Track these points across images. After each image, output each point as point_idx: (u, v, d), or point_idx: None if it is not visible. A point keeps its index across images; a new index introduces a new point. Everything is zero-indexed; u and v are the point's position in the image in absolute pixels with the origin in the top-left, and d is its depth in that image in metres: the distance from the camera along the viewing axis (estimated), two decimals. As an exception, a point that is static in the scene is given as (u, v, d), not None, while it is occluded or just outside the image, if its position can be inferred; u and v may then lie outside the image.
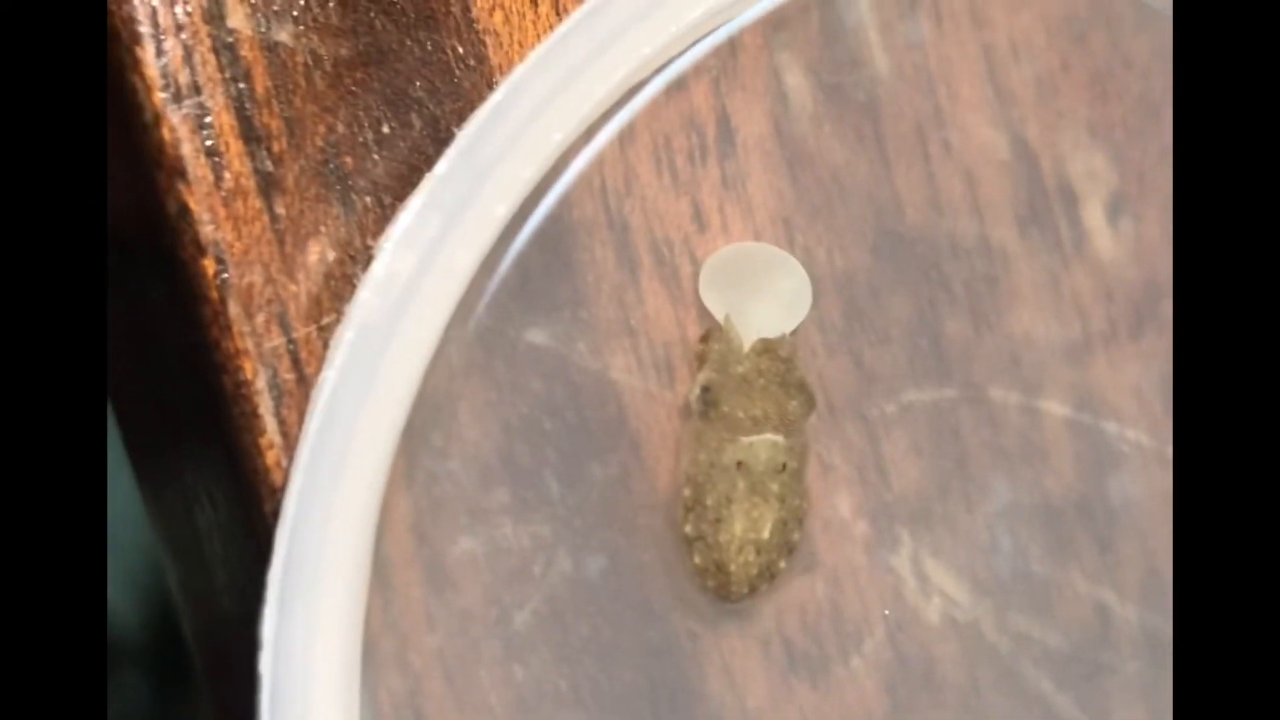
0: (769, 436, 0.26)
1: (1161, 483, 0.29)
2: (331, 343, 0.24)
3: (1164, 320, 0.29)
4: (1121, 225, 0.29)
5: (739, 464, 0.26)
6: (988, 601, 0.28)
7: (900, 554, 0.28)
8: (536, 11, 0.26)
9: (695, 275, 0.27)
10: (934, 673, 0.28)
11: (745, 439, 0.26)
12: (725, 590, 0.26)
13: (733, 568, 0.26)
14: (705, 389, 0.26)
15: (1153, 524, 0.29)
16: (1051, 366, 0.29)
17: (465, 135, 0.23)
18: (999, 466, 0.28)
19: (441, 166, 0.23)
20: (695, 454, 0.26)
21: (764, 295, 0.27)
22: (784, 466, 0.26)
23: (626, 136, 0.26)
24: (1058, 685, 0.29)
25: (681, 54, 0.25)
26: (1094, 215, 0.29)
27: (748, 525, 0.26)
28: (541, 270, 0.25)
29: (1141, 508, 0.29)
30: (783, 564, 0.26)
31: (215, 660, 0.32)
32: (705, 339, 0.26)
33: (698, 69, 0.26)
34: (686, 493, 0.26)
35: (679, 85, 0.26)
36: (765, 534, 0.26)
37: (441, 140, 0.26)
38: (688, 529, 0.26)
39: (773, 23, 0.27)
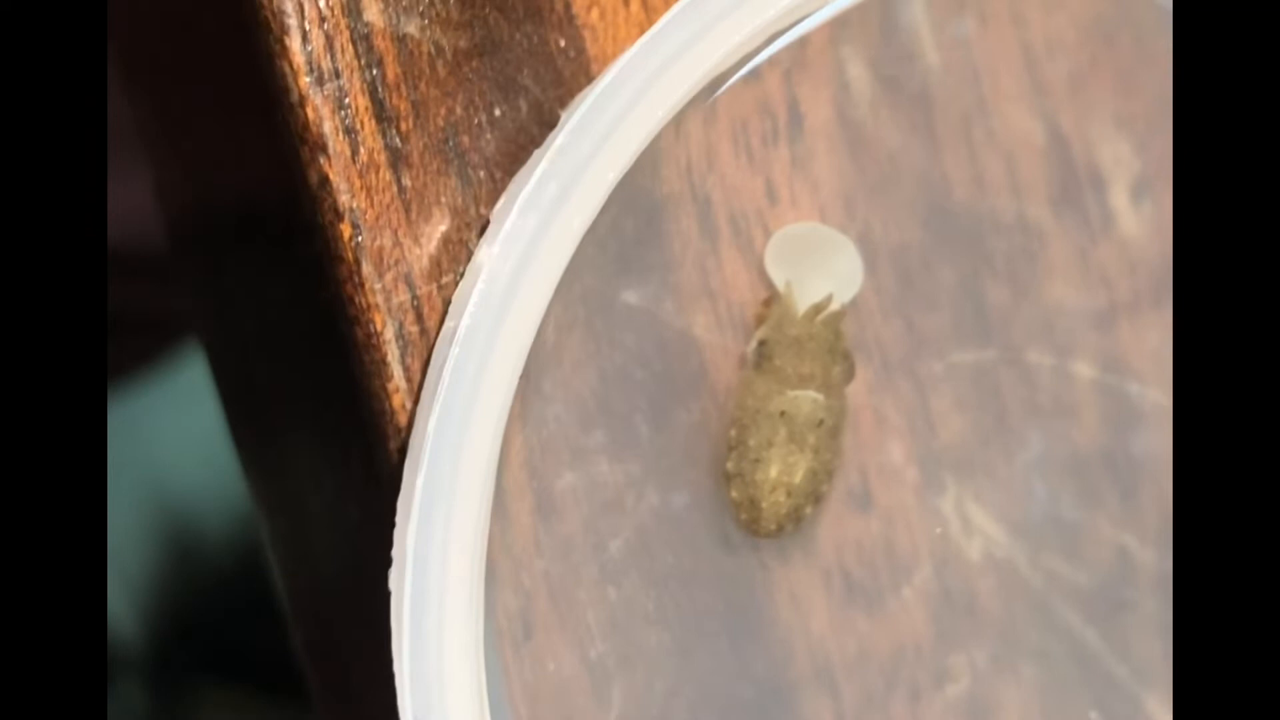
0: (811, 393, 0.29)
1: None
2: (455, 295, 0.28)
3: (1181, 292, 0.32)
4: (1143, 207, 0.32)
5: (782, 413, 0.29)
6: (1023, 542, 0.32)
7: (946, 497, 0.31)
8: (628, 10, 0.30)
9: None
10: (975, 605, 0.31)
11: (791, 392, 0.29)
12: (755, 525, 0.29)
13: (764, 505, 0.29)
14: (762, 343, 0.29)
15: (1170, 475, 0.32)
16: (1081, 332, 0.32)
17: (579, 115, 0.27)
18: (1034, 421, 0.32)
19: (560, 140, 0.26)
20: (745, 400, 0.29)
21: (821, 271, 0.30)
22: (821, 422, 0.29)
23: (709, 120, 0.30)
24: (1085, 619, 0.32)
25: (759, 50, 0.29)
26: (1119, 197, 0.32)
27: (783, 469, 0.29)
28: (635, 239, 0.29)
29: (1160, 461, 0.32)
30: (809, 510, 0.30)
31: (307, 590, 0.35)
32: (767, 303, 0.30)
33: (771, 61, 0.30)
34: (732, 433, 0.29)
35: (755, 75, 0.30)
36: (797, 479, 0.29)
37: (545, 122, 0.29)
38: (729, 465, 0.29)
39: (837, 20, 0.30)
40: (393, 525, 0.27)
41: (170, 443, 0.58)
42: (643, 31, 0.30)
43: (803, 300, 0.30)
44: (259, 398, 0.35)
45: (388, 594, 0.26)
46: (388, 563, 0.27)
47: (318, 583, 0.36)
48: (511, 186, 0.29)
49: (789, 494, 0.29)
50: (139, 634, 0.58)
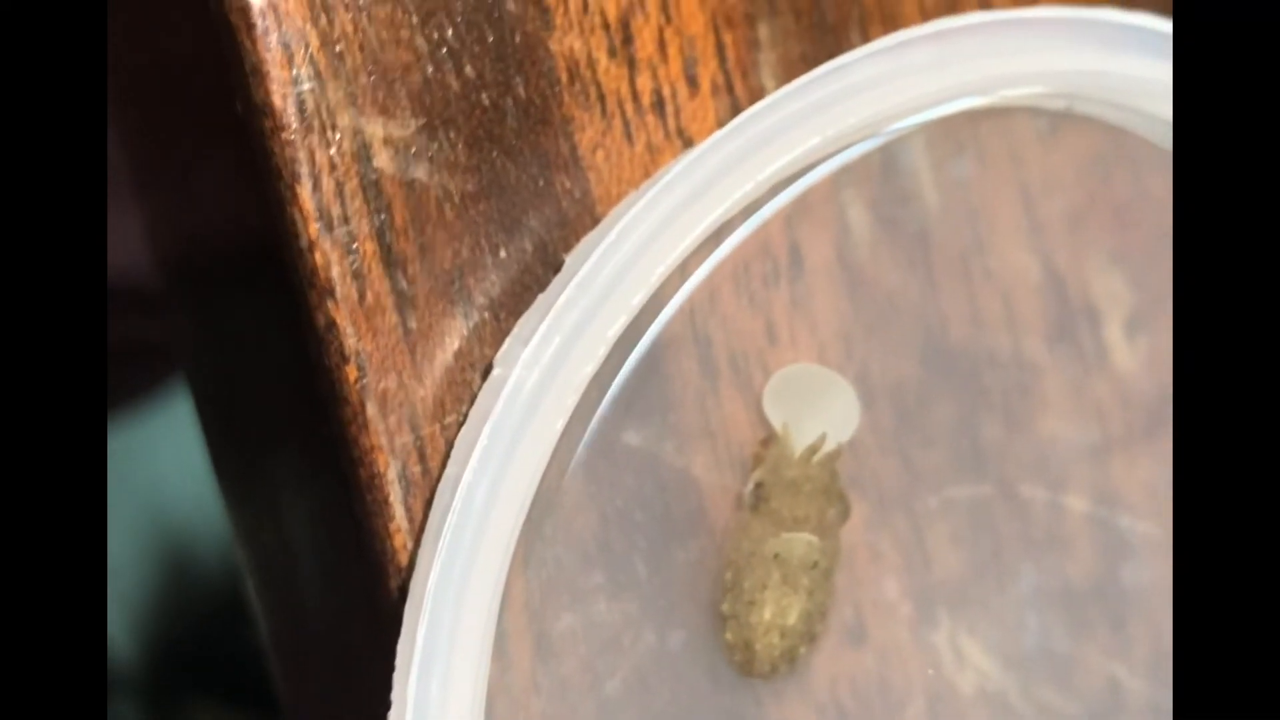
0: (806, 536, 0.30)
1: (1169, 570, 0.33)
2: (457, 440, 0.29)
3: (1174, 425, 0.33)
4: (1138, 340, 0.33)
5: (776, 555, 0.30)
6: (1015, 674, 0.32)
7: (939, 631, 0.32)
8: (633, 150, 0.31)
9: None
10: (967, 738, 0.32)
11: (785, 535, 0.30)
12: (749, 667, 0.30)
13: (758, 647, 0.30)
14: (758, 485, 0.30)
15: (1160, 607, 0.33)
16: (1074, 466, 0.33)
17: (585, 269, 0.27)
18: (1027, 555, 0.32)
19: (565, 295, 0.27)
20: (740, 542, 0.30)
21: (818, 412, 0.31)
22: (815, 564, 0.30)
23: (712, 263, 0.30)
24: (1074, 750, 0.33)
25: (763, 200, 0.29)
26: (1114, 332, 0.33)
27: (776, 611, 0.30)
28: (637, 380, 0.30)
29: (1151, 592, 0.33)
30: (803, 650, 0.30)
31: (301, 692, 0.36)
32: (765, 443, 0.30)
33: (773, 202, 0.31)
34: (727, 575, 0.30)
35: (757, 217, 0.30)
36: (791, 620, 0.30)
37: (549, 263, 0.30)
38: (724, 607, 0.30)
39: (839, 163, 0.31)
40: (391, 628, 0.27)
41: (166, 470, 0.59)
42: (646, 173, 0.31)
43: (799, 442, 0.30)
44: (243, 433, 0.35)
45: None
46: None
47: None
48: (516, 330, 0.29)
49: (783, 635, 0.30)
50: (135, 654, 0.59)
